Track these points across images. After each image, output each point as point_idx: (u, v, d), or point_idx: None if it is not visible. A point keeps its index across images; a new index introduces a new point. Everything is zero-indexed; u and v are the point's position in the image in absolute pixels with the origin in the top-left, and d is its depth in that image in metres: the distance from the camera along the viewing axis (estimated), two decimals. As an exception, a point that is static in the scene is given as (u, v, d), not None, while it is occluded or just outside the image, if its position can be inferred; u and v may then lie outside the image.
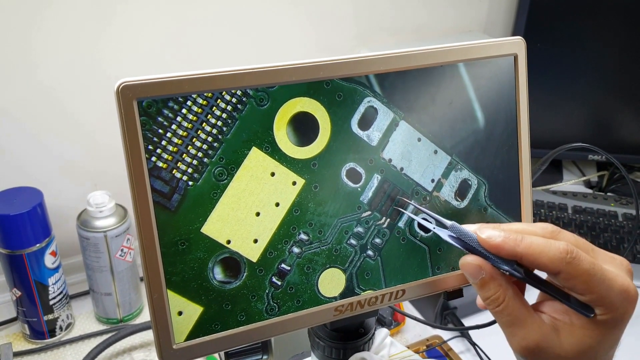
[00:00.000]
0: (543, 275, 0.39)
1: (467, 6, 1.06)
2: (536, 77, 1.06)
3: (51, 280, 0.74)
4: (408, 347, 0.75)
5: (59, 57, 0.78)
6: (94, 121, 0.82)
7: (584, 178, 1.14)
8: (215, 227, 0.38)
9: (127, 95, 0.34)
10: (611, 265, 0.39)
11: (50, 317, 0.76)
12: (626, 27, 1.00)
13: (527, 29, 1.01)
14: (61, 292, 0.76)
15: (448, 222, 0.41)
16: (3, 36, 0.74)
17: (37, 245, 0.71)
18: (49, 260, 0.73)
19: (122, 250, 0.76)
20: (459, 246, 0.40)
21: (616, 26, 1.00)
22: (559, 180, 1.14)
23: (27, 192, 0.72)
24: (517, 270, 0.38)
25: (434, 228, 0.42)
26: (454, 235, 0.40)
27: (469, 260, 0.39)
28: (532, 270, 0.39)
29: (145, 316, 0.83)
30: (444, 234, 0.41)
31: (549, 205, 1.02)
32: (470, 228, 0.40)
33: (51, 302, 0.75)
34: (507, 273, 0.39)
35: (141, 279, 0.83)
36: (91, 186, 0.78)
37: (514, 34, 0.98)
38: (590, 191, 1.11)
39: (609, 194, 1.09)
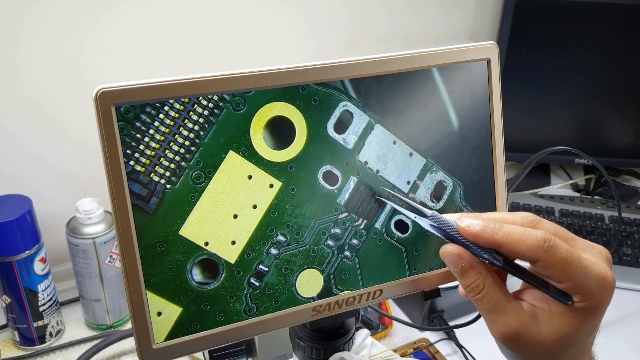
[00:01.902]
0: (524, 264, 0.40)
1: (454, 13, 1.08)
2: (521, 82, 1.08)
3: (41, 287, 0.74)
4: (395, 351, 0.75)
5: (44, 64, 0.78)
6: (83, 128, 0.83)
7: (571, 182, 1.15)
8: (193, 229, 0.39)
9: (105, 101, 0.35)
10: (589, 254, 0.39)
11: (40, 323, 0.76)
12: (610, 32, 1.02)
13: (512, 35, 1.02)
14: (51, 299, 0.77)
15: (428, 212, 0.42)
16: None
17: (27, 252, 0.72)
18: (38, 267, 0.73)
19: (110, 256, 0.77)
20: (440, 235, 0.41)
21: (600, 31, 1.02)
22: (547, 184, 1.15)
23: (16, 199, 0.72)
24: (496, 258, 0.39)
25: (415, 217, 0.43)
26: (435, 224, 0.41)
27: (449, 249, 0.40)
28: (511, 259, 0.40)
29: (135, 322, 0.83)
30: (425, 223, 0.42)
31: (536, 209, 1.02)
32: (450, 217, 0.41)
33: (41, 309, 0.76)
34: (487, 261, 0.39)
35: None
36: (80, 193, 0.78)
37: (499, 40, 0.99)
38: (577, 194, 1.12)
39: (595, 197, 1.10)
